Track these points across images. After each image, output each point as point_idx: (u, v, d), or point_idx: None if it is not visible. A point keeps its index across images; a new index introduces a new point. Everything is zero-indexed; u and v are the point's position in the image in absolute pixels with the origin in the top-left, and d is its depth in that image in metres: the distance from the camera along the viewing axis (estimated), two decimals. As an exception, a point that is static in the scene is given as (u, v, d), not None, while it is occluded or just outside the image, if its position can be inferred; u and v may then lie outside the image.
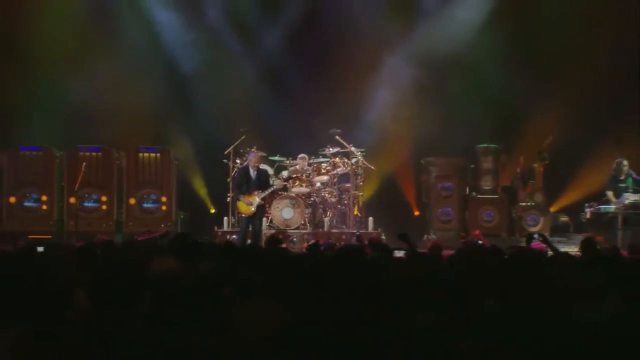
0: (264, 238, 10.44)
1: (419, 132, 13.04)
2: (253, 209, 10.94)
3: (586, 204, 11.90)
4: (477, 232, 11.78)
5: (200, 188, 13.73)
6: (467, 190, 12.99)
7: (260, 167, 11.42)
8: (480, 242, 10.88)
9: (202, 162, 13.54)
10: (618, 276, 4.85)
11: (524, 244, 8.40)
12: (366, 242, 9.10)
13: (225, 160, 12.54)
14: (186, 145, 13.50)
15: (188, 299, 4.19)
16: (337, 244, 9.92)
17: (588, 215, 11.76)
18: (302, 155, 12.46)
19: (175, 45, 13.63)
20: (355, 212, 12.89)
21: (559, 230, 12.43)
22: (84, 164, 12.22)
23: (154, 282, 4.44)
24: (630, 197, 11.51)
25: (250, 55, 13.51)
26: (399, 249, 7.28)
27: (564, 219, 12.66)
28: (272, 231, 11.91)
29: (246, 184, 11.07)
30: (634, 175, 11.68)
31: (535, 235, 8.99)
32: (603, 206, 11.69)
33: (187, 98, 13.53)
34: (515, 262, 5.82)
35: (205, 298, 4.28)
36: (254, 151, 11.56)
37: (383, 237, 11.74)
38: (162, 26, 13.63)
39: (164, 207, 12.83)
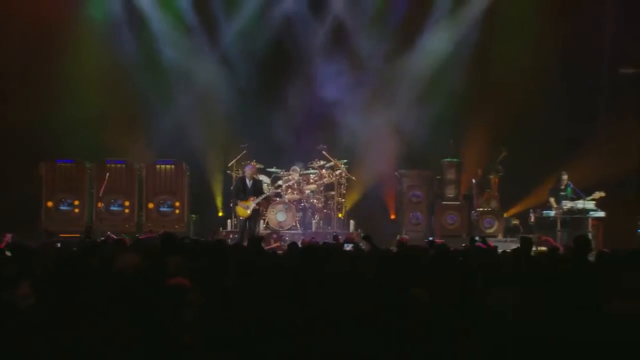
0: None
1: (394, 147, 15.13)
2: (249, 212, 12.69)
3: (530, 210, 13.95)
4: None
5: (218, 194, 15.42)
6: (434, 197, 14.92)
7: (256, 177, 13.26)
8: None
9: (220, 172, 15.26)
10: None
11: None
12: (342, 240, 11.20)
13: (228, 172, 14.63)
14: (205, 157, 15.38)
15: (146, 291, 4.28)
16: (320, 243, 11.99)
17: (532, 219, 13.77)
18: (294, 167, 14.33)
19: (186, 69, 15.45)
20: (340, 216, 14.92)
21: (510, 231, 14.25)
22: (107, 174, 14.04)
23: (117, 275, 4.67)
24: (567, 204, 13.40)
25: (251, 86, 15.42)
26: (348, 243, 9.22)
27: (515, 222, 14.46)
28: (268, 231, 14.09)
29: (243, 192, 12.81)
30: (572, 186, 13.60)
31: (477, 238, 11.08)
32: (545, 211, 13.59)
33: (201, 116, 15.24)
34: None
35: (161, 290, 4.32)
36: (251, 164, 13.37)
37: (362, 236, 13.73)
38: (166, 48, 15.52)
39: (177, 211, 14.58)
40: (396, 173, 15.07)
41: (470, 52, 15.15)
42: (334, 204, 14.58)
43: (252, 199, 12.81)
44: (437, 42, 15.32)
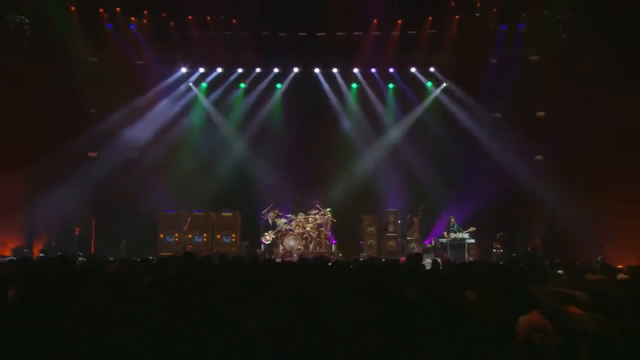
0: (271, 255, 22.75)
1: (358, 200, 25.16)
2: (269, 240, 23.22)
3: (432, 239, 23.92)
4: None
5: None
6: (382, 231, 24.94)
7: (275, 219, 23.65)
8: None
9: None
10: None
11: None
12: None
13: (263, 217, 25.00)
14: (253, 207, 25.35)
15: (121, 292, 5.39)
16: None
17: (433, 244, 23.79)
18: (300, 213, 24.26)
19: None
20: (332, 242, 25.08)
21: (427, 252, 23.87)
22: (189, 218, 24.55)
23: (105, 279, 5.80)
24: (453, 235, 23.36)
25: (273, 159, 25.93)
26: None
27: (428, 246, 24.36)
28: (284, 251, 24.28)
29: (266, 228, 23.32)
30: (456, 224, 23.50)
31: (383, 259, 21.04)
32: (441, 239, 23.58)
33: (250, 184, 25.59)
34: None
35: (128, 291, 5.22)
36: (271, 211, 23.72)
37: (340, 255, 23.92)
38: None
39: (234, 239, 24.85)
40: (362, 217, 25.17)
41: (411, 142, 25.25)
42: (323, 236, 24.72)
43: (271, 231, 23.21)
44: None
